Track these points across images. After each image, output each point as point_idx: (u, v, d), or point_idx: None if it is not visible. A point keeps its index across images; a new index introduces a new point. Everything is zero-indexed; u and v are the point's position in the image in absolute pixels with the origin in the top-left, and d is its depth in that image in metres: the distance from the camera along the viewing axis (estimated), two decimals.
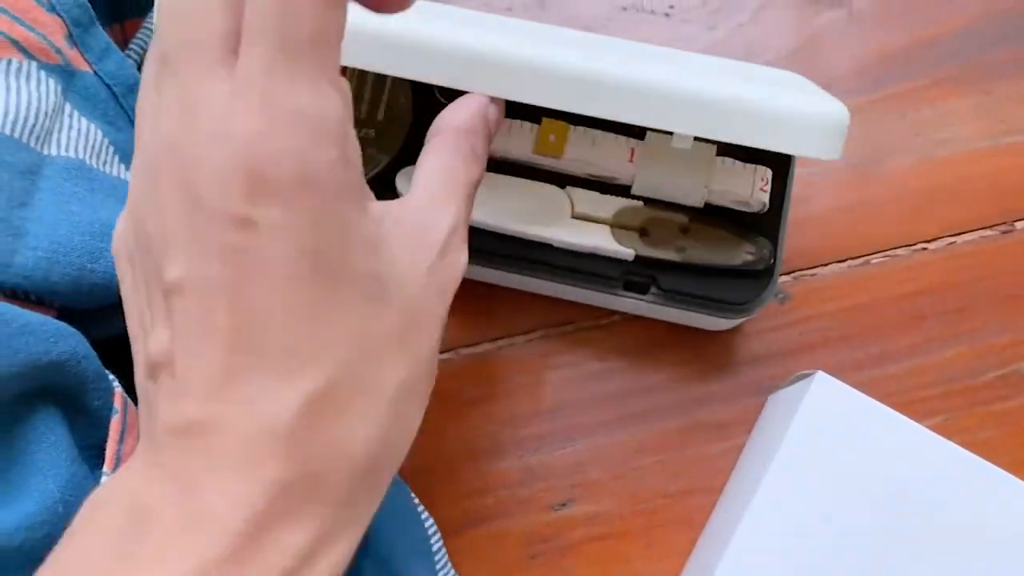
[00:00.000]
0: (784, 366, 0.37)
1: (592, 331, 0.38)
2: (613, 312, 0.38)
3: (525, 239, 0.33)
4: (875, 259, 0.38)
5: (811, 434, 0.31)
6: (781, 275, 0.38)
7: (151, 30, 0.36)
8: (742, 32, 0.42)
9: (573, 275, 0.33)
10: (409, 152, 0.34)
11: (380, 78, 0.35)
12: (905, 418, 0.31)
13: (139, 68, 0.35)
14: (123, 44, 0.36)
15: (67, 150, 0.29)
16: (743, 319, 0.35)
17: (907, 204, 0.39)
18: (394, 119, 0.35)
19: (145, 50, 0.36)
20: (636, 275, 0.33)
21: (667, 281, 0.33)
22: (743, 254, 0.33)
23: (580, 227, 0.33)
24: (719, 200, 0.33)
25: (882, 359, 0.37)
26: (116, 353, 0.32)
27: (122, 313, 0.27)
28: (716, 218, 0.33)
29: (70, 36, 0.30)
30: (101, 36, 0.32)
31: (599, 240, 0.33)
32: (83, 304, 0.26)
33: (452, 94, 0.28)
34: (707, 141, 0.32)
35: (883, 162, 0.40)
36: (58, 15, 0.30)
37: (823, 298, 0.38)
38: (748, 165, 0.33)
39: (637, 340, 0.38)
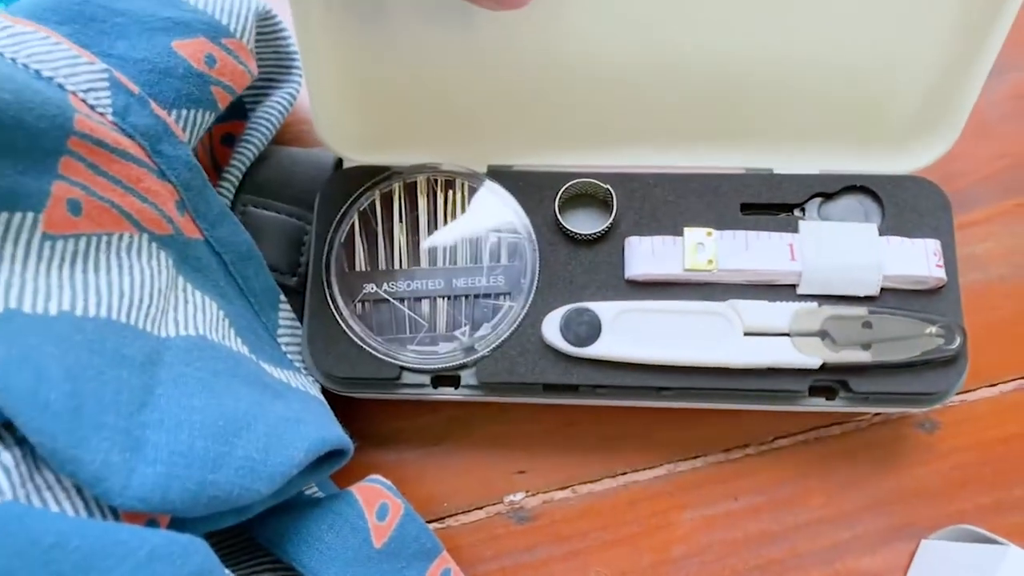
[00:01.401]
0: (936, 506, 0.34)
1: (723, 465, 0.34)
2: (746, 444, 0.35)
3: (691, 366, 0.31)
4: None
5: None
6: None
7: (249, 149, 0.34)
8: None
9: (750, 395, 0.31)
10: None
11: None
12: None
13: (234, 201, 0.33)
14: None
15: (185, 328, 0.25)
16: (938, 406, 0.32)
17: None
18: None
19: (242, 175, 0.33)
20: (824, 382, 0.31)
21: (858, 383, 0.31)
22: (932, 338, 0.30)
23: (756, 344, 0.30)
24: (894, 284, 0.31)
25: None
26: (222, 546, 0.29)
27: (237, 511, 0.24)
28: (896, 303, 0.31)
29: (181, 203, 0.28)
30: (214, 201, 0.30)
31: (780, 355, 0.30)
32: (198, 515, 0.23)
33: None
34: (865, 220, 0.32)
35: None
36: (169, 181, 0.27)
37: (974, 428, 0.35)
38: (916, 240, 0.31)
39: (772, 477, 0.34)
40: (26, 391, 0.20)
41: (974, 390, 0.35)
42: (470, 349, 0.31)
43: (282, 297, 0.32)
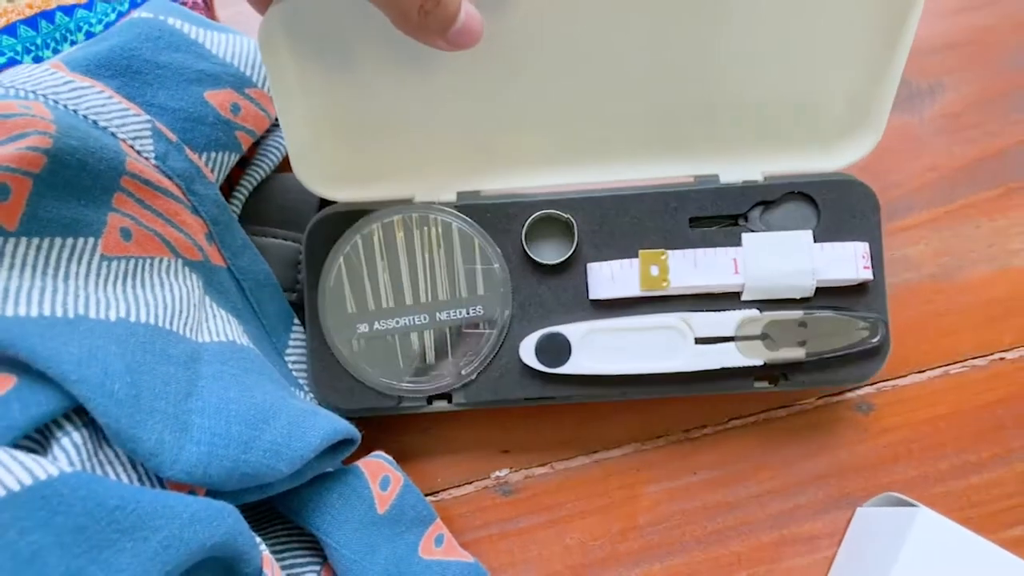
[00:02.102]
0: (870, 478, 0.39)
1: (684, 444, 0.39)
2: (704, 425, 0.39)
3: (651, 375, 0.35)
4: (954, 369, 0.40)
5: (915, 572, 0.32)
6: (865, 386, 0.39)
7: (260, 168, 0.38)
8: None
9: (703, 390, 0.35)
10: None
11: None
12: (1009, 554, 0.32)
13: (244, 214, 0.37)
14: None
15: (217, 335, 0.30)
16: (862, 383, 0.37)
17: (984, 314, 0.40)
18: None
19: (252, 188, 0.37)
20: (766, 374, 0.35)
21: (795, 375, 0.35)
22: (859, 332, 0.35)
23: (706, 350, 0.35)
24: (827, 284, 0.35)
25: (964, 470, 0.39)
26: (250, 516, 0.34)
27: (261, 488, 0.29)
28: (829, 300, 0.35)
29: (210, 234, 0.33)
30: (238, 234, 0.34)
31: (727, 359, 0.34)
32: (230, 488, 0.28)
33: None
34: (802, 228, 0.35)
35: (959, 273, 0.41)
36: (200, 216, 0.32)
37: (905, 409, 0.39)
38: (847, 244, 0.35)
39: (728, 452, 0.39)
40: (96, 382, 0.25)
41: (904, 376, 0.40)
42: (458, 376, 0.35)
43: (295, 320, 0.37)
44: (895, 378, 0.40)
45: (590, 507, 0.39)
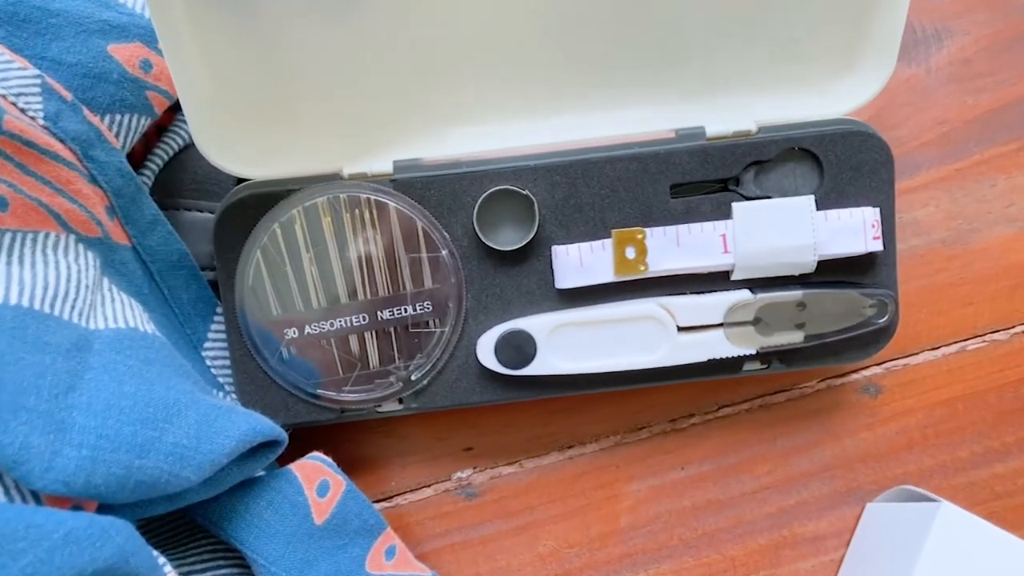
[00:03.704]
0: (880, 469, 0.34)
1: (669, 436, 0.35)
2: (691, 414, 0.35)
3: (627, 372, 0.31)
4: (971, 344, 0.35)
5: (938, 572, 0.28)
6: (872, 366, 0.35)
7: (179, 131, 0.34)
8: None
9: (685, 378, 0.31)
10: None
11: None
12: None
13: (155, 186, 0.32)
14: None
15: (115, 321, 0.26)
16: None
17: (1004, 282, 0.36)
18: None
19: (172, 155, 0.33)
20: (756, 362, 0.31)
21: (790, 359, 0.31)
22: (865, 310, 0.30)
23: (691, 340, 0.30)
24: (831, 256, 0.31)
25: (987, 457, 0.34)
26: (161, 530, 0.29)
27: (169, 499, 0.25)
28: (831, 274, 0.31)
29: (111, 208, 0.29)
30: (147, 208, 0.30)
31: (715, 350, 0.30)
32: (123, 500, 0.24)
33: None
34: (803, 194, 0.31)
35: (974, 237, 0.36)
36: (100, 186, 0.28)
37: (918, 390, 0.35)
38: (854, 211, 0.30)
39: (719, 444, 0.35)
40: None
41: (916, 354, 0.35)
42: (408, 382, 0.31)
43: (219, 309, 0.32)
44: (906, 356, 0.35)
45: (565, 510, 0.34)
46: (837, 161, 0.31)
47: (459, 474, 0.35)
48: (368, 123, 0.31)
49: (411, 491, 0.35)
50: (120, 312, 0.28)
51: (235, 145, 0.30)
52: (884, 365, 0.35)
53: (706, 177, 0.31)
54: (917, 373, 0.35)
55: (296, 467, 0.30)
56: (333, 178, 0.31)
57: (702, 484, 0.35)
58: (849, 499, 0.34)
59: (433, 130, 0.31)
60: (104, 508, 0.24)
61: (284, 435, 0.29)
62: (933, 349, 0.35)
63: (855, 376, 0.35)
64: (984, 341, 0.35)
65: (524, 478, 0.35)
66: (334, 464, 0.31)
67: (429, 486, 0.35)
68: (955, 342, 0.36)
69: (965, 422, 0.35)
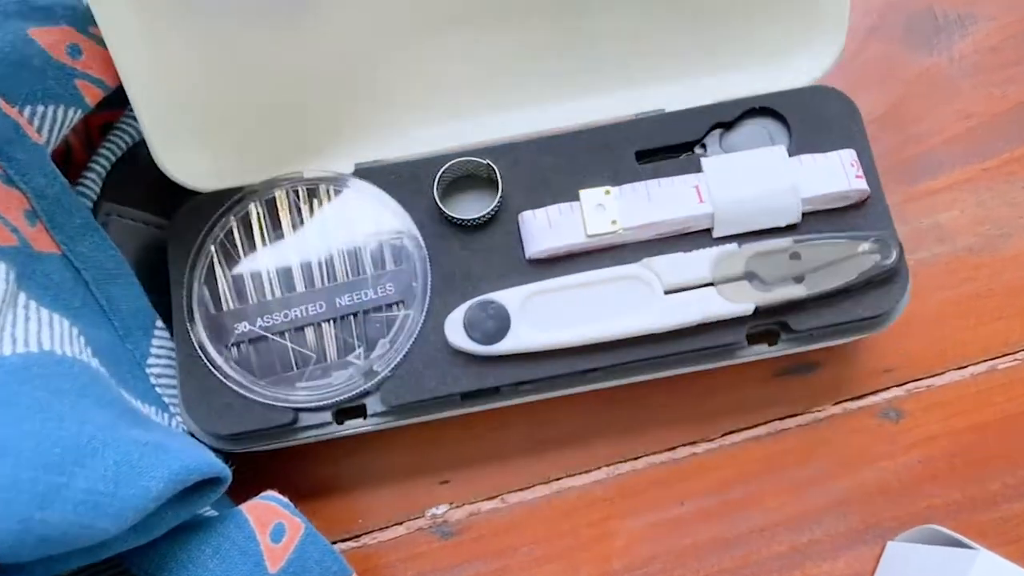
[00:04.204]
0: (902, 504, 0.31)
1: (668, 466, 0.31)
2: (692, 441, 0.32)
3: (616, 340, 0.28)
4: (1002, 363, 0.32)
5: None
6: (891, 388, 0.32)
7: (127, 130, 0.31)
8: None
9: (686, 357, 0.29)
10: None
11: None
12: None
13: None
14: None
15: (25, 344, 0.23)
16: (885, 327, 0.29)
17: None
18: None
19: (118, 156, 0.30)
20: (761, 327, 0.28)
21: (797, 320, 0.28)
22: (867, 256, 0.28)
23: (680, 301, 0.28)
24: (816, 206, 0.29)
25: (1020, 490, 0.31)
26: None
27: (87, 551, 0.22)
28: (821, 226, 0.29)
29: (32, 212, 0.25)
30: (77, 211, 0.27)
31: (709, 309, 0.28)
32: (24, 559, 0.20)
33: None
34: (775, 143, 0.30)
35: (1004, 243, 0.33)
36: (17, 188, 0.25)
37: (943, 415, 0.32)
38: (830, 154, 0.29)
39: (723, 475, 0.31)
40: None
41: (941, 374, 0.32)
42: (370, 372, 0.28)
43: (159, 323, 0.29)
44: (929, 376, 0.32)
45: (552, 551, 0.31)
46: (802, 118, 0.30)
47: (434, 510, 0.31)
48: (327, 127, 0.30)
49: (380, 529, 0.31)
50: (34, 333, 0.24)
51: (192, 155, 0.29)
52: (906, 386, 0.32)
53: (670, 143, 0.30)
54: (942, 395, 0.32)
55: (247, 508, 0.27)
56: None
57: (704, 520, 0.31)
58: (868, 537, 0.31)
59: (394, 130, 0.31)
60: (8, 569, 0.21)
61: (226, 470, 0.25)
62: (960, 368, 0.32)
63: (874, 399, 0.32)
64: (1016, 359, 0.32)
65: (506, 515, 0.31)
66: (290, 504, 0.27)
67: (400, 523, 0.31)
68: (984, 360, 0.32)
69: (996, 450, 0.31)
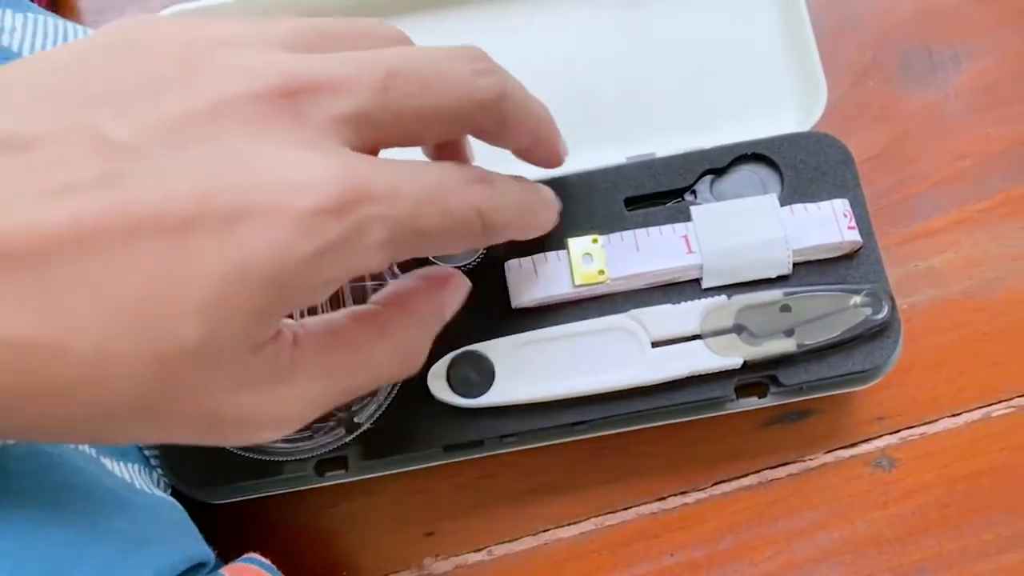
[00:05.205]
0: (895, 555, 0.31)
1: (657, 517, 0.31)
2: (682, 491, 0.31)
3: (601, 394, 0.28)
4: (997, 410, 0.32)
5: None
6: (884, 436, 0.31)
7: None
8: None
9: (673, 410, 0.28)
10: None
11: None
12: None
13: None
14: None
15: None
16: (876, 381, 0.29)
17: None
18: None
19: None
20: (750, 380, 0.28)
21: (787, 375, 0.28)
22: (858, 310, 0.27)
23: (667, 354, 0.27)
24: (807, 256, 0.28)
25: (1015, 541, 0.30)
26: None
27: None
28: (812, 277, 0.28)
29: None
30: None
31: (696, 362, 0.27)
32: None
33: None
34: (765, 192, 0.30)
35: (1000, 286, 0.33)
36: None
37: (937, 463, 0.31)
38: (822, 204, 0.28)
39: (713, 526, 0.31)
40: None
41: (935, 420, 0.31)
42: (351, 425, 0.27)
43: None
44: (923, 423, 0.32)
45: None
46: (795, 164, 0.29)
47: (418, 564, 0.31)
48: None
49: None
50: None
51: None
52: (899, 434, 0.31)
53: (659, 189, 0.30)
54: (936, 443, 0.31)
55: (229, 572, 0.26)
56: None
57: (694, 572, 0.31)
58: None
59: None
60: None
61: (210, 554, 0.25)
62: (954, 416, 0.32)
63: (866, 447, 0.31)
64: (1011, 407, 0.32)
65: (493, 567, 0.31)
66: (272, 567, 0.27)
67: None
68: (978, 407, 0.32)
69: (991, 500, 0.31)
